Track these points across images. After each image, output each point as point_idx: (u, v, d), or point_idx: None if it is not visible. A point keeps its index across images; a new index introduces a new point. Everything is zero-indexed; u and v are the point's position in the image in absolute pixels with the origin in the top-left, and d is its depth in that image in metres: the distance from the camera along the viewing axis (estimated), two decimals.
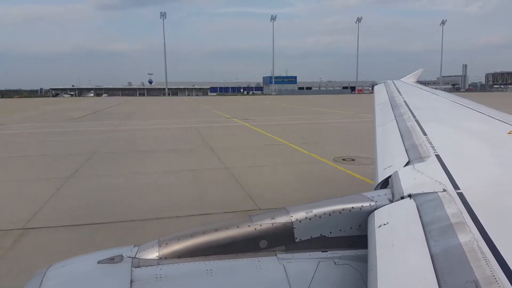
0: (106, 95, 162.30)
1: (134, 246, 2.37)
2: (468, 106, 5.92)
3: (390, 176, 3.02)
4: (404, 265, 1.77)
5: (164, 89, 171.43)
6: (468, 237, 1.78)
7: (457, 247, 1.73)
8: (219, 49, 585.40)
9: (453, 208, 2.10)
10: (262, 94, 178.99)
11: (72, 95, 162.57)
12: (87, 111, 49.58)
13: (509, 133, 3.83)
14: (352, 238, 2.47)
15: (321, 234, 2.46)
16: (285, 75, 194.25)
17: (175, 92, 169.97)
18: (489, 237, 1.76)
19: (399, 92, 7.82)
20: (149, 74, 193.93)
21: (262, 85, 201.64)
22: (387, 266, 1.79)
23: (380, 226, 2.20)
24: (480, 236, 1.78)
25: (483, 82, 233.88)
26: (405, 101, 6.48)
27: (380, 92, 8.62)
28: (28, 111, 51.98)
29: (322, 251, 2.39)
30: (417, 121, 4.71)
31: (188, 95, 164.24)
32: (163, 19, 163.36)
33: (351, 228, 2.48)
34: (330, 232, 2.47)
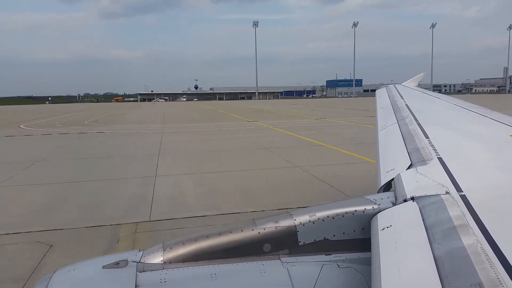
0: (196, 99, 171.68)
1: (139, 250, 2.39)
2: (470, 109, 5.90)
3: (392, 179, 3.03)
4: (407, 268, 1.77)
5: (236, 93, 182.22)
6: (472, 239, 1.77)
7: (461, 249, 1.71)
8: (221, 56, 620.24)
9: (456, 211, 2.09)
10: (324, 96, 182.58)
11: (166, 99, 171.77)
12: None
13: None
14: (355, 241, 2.47)
15: (324, 237, 2.45)
16: (349, 78, 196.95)
17: (249, 96, 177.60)
18: (493, 239, 1.75)
19: (400, 96, 7.82)
20: (195, 80, 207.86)
21: (315, 89, 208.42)
22: (390, 269, 1.79)
23: (383, 229, 2.20)
24: (484, 238, 1.77)
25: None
26: (407, 105, 6.48)
27: (382, 96, 8.61)
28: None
29: (326, 254, 2.40)
30: (419, 124, 4.71)
31: (262, 98, 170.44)
32: (255, 27, 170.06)
33: (354, 231, 2.48)
34: (334, 235, 2.46)
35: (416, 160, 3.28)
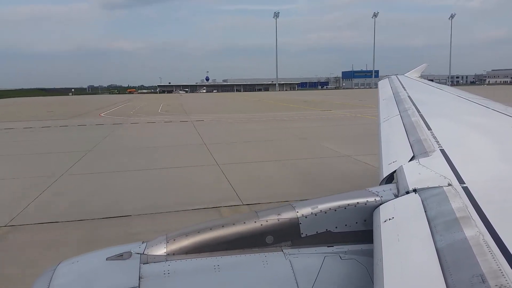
0: (216, 91, 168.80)
1: (142, 242, 2.42)
2: (473, 101, 5.86)
3: (395, 171, 3.04)
4: (409, 259, 1.79)
5: (254, 85, 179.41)
6: (474, 231, 1.79)
7: (463, 241, 1.73)
8: (225, 46, 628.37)
9: (458, 203, 2.10)
10: (340, 88, 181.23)
11: (186, 91, 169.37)
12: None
13: None
14: (357, 233, 2.49)
15: (326, 229, 2.48)
16: (366, 69, 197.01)
17: (266, 87, 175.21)
18: (495, 231, 1.77)
19: (403, 87, 7.76)
20: (206, 72, 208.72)
21: (328, 80, 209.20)
22: (392, 260, 1.81)
23: (385, 221, 2.21)
24: (486, 230, 1.78)
25: None
26: (409, 96, 6.45)
27: (384, 87, 8.57)
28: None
29: (328, 246, 2.42)
30: (421, 116, 4.70)
31: (280, 90, 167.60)
32: (276, 18, 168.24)
33: (356, 223, 2.50)
34: (336, 227, 2.48)
35: (418, 152, 3.29)
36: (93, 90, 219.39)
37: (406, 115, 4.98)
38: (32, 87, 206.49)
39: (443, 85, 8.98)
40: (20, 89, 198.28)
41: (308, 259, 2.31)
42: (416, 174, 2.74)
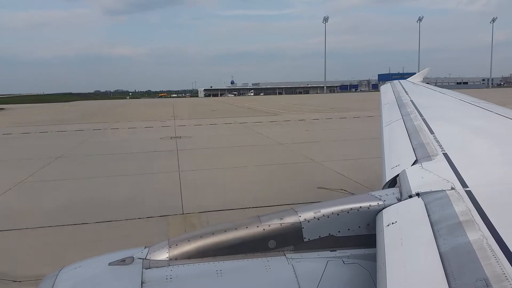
0: (263, 94, 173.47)
1: (145, 247, 2.42)
2: (475, 104, 5.86)
3: (397, 175, 3.04)
4: (413, 263, 1.78)
5: (294, 88, 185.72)
6: (477, 235, 1.78)
7: (466, 245, 1.72)
8: (222, 52, 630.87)
9: (462, 206, 2.10)
10: (373, 90, 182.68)
11: (235, 94, 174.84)
12: None
13: None
14: (360, 237, 2.48)
15: (329, 234, 2.48)
16: (403, 72, 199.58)
17: (306, 90, 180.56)
18: (499, 235, 1.76)
19: (405, 92, 7.84)
20: (231, 76, 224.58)
21: (358, 84, 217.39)
22: (396, 265, 1.81)
23: (388, 225, 2.21)
24: (490, 234, 1.77)
25: None
26: (411, 100, 6.50)
27: (386, 92, 8.64)
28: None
29: (331, 251, 2.42)
30: (424, 120, 4.72)
31: (319, 92, 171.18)
32: (325, 23, 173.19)
33: (359, 227, 2.50)
34: (339, 232, 2.48)
35: (421, 156, 3.30)
36: (121, 94, 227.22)
37: (408, 119, 5.01)
38: (34, 93, 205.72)
39: (446, 89, 8.75)
40: (52, 94, 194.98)
41: (311, 264, 2.32)
42: (419, 178, 2.76)
